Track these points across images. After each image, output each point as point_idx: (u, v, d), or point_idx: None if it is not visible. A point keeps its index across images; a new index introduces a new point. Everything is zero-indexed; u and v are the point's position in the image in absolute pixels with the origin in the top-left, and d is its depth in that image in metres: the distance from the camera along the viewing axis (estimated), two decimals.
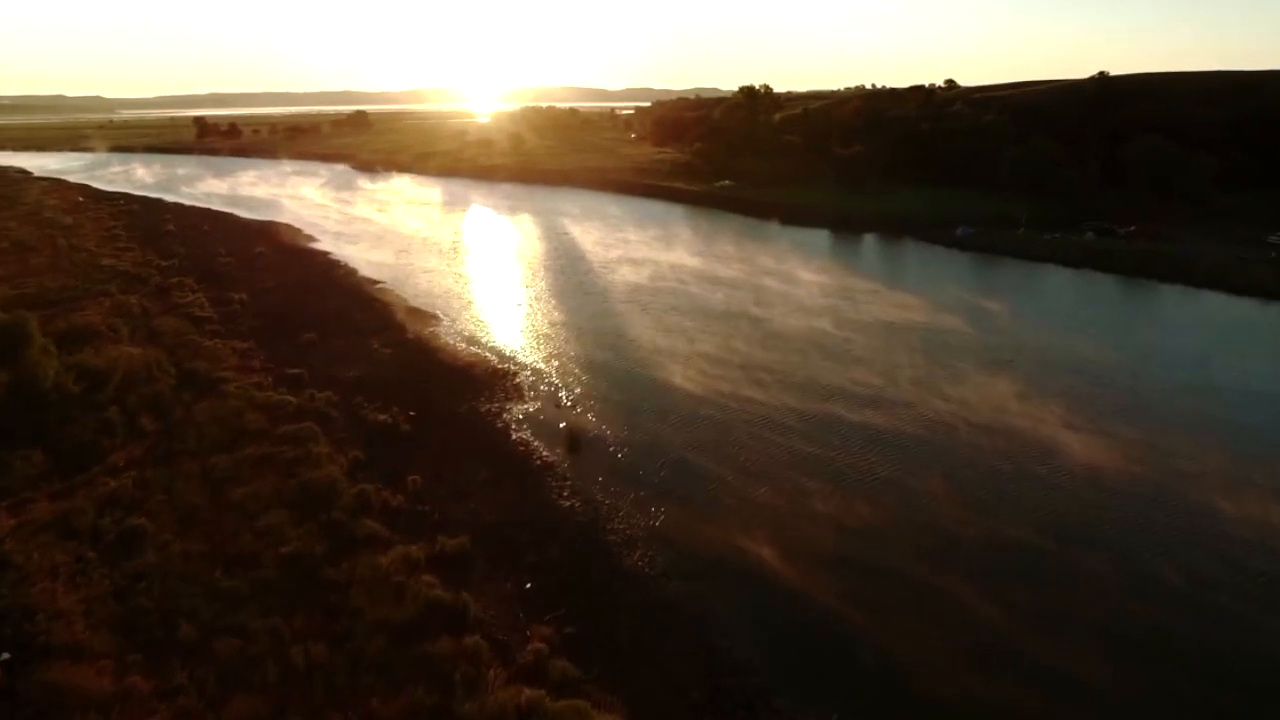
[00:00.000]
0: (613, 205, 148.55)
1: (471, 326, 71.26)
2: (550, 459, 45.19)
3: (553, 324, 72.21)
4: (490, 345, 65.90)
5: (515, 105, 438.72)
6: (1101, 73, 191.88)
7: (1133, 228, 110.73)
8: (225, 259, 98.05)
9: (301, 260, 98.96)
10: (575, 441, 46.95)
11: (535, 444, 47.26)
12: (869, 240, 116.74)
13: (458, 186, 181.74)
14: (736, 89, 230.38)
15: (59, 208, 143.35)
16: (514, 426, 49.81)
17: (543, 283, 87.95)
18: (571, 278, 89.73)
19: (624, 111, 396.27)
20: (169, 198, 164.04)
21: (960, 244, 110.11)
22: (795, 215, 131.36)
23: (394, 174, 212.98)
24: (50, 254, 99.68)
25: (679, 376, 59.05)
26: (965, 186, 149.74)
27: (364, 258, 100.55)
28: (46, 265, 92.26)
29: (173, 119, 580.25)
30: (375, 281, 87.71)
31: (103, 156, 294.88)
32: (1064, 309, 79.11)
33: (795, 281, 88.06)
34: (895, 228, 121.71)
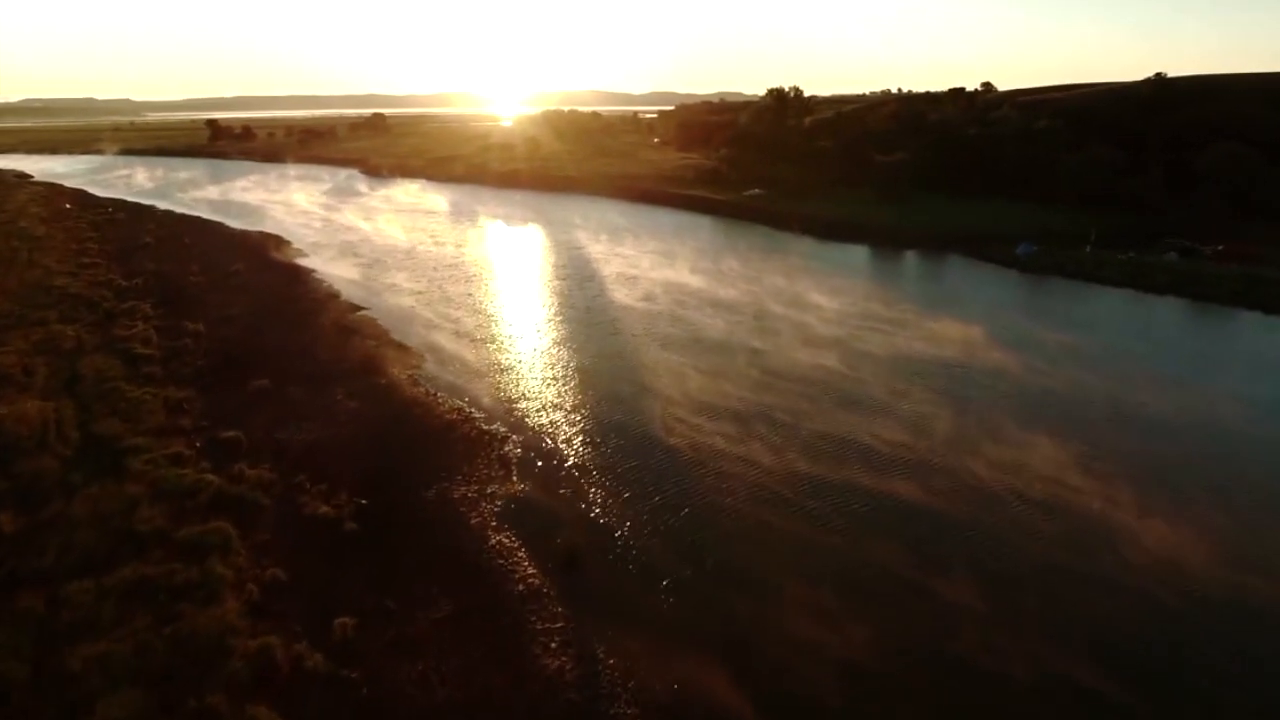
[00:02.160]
0: (633, 216, 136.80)
1: (458, 367, 59.79)
2: (536, 583, 33.42)
3: (553, 364, 60.63)
4: (476, 395, 54.35)
5: (538, 109, 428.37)
6: (1158, 74, 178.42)
7: (1220, 247, 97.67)
8: (196, 278, 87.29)
9: (279, 279, 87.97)
10: (571, 555, 35.15)
11: (517, 554, 35.55)
12: (917, 258, 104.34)
13: (469, 194, 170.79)
14: (764, 92, 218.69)
15: (38, 216, 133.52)
16: (492, 523, 38.11)
17: (546, 311, 76.41)
18: (582, 307, 78.13)
19: (647, 115, 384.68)
20: (161, 204, 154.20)
21: (1020, 264, 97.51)
22: (833, 229, 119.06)
23: (403, 180, 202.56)
24: (2, 269, 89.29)
25: (700, 437, 47.20)
26: (1017, 197, 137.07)
27: (349, 277, 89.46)
28: None
29: (192, 121, 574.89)
30: (356, 307, 76.47)
31: (111, 159, 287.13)
32: (1150, 347, 66.55)
33: (843, 314, 75.87)
34: (944, 243, 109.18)
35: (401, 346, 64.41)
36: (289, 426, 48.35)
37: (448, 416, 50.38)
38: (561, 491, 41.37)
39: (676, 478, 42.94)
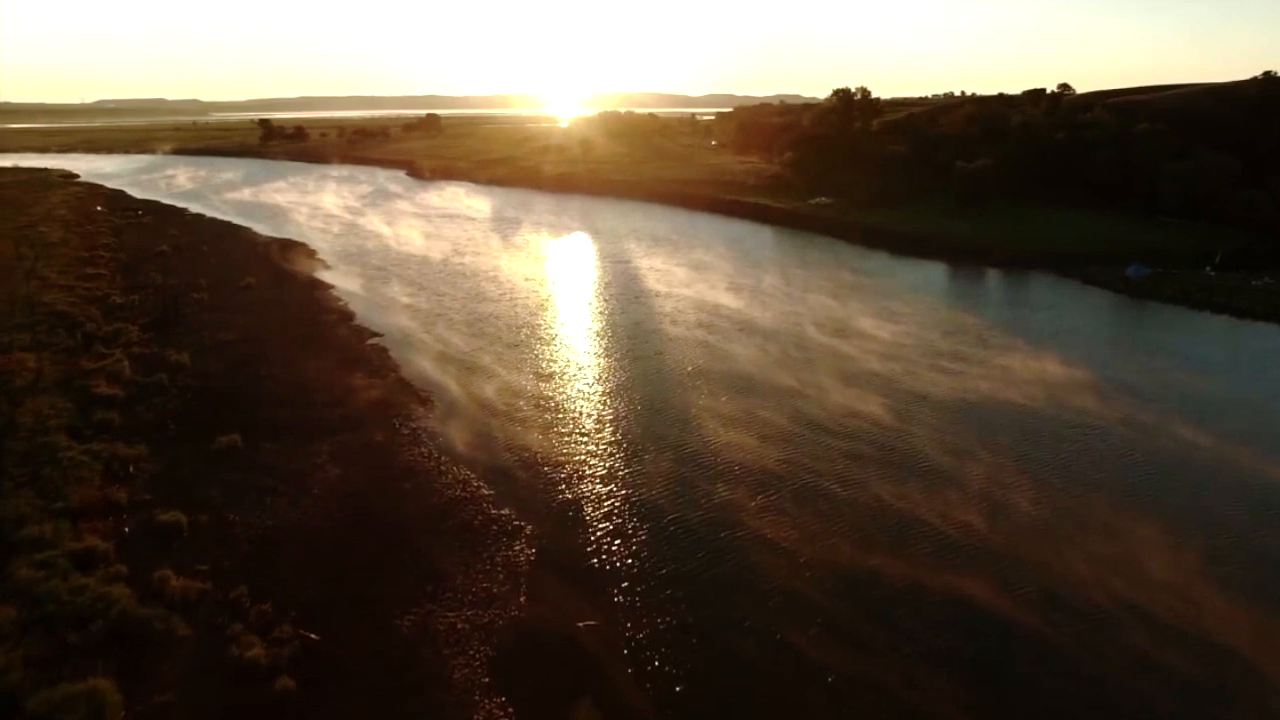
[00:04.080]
0: (689, 227, 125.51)
1: (469, 418, 49.34)
2: None
3: (577, 416, 49.84)
4: (486, 458, 43.79)
5: (595, 110, 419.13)
6: (1267, 72, 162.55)
7: None
8: (201, 294, 78.39)
9: (291, 297, 78.67)
10: None
11: None
12: (1000, 279, 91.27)
13: (515, 199, 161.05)
14: (825, 94, 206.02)
15: (63, 220, 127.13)
16: (484, 678, 27.38)
17: (578, 345, 65.66)
18: (623, 339, 67.38)
19: (705, 117, 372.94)
20: (194, 207, 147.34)
21: (1131, 288, 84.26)
22: (909, 243, 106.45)
23: (449, 183, 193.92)
24: None
25: (722, 515, 35.93)
26: (1110, 209, 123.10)
27: (366, 295, 79.85)
28: None
29: (250, 122, 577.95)
30: (369, 333, 66.63)
31: (162, 159, 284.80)
32: None
33: (906, 345, 63.79)
34: (1033, 261, 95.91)
35: (409, 387, 54.22)
36: (248, 503, 38.31)
37: (449, 492, 39.85)
38: (580, 620, 30.47)
39: (693, 585, 31.82)
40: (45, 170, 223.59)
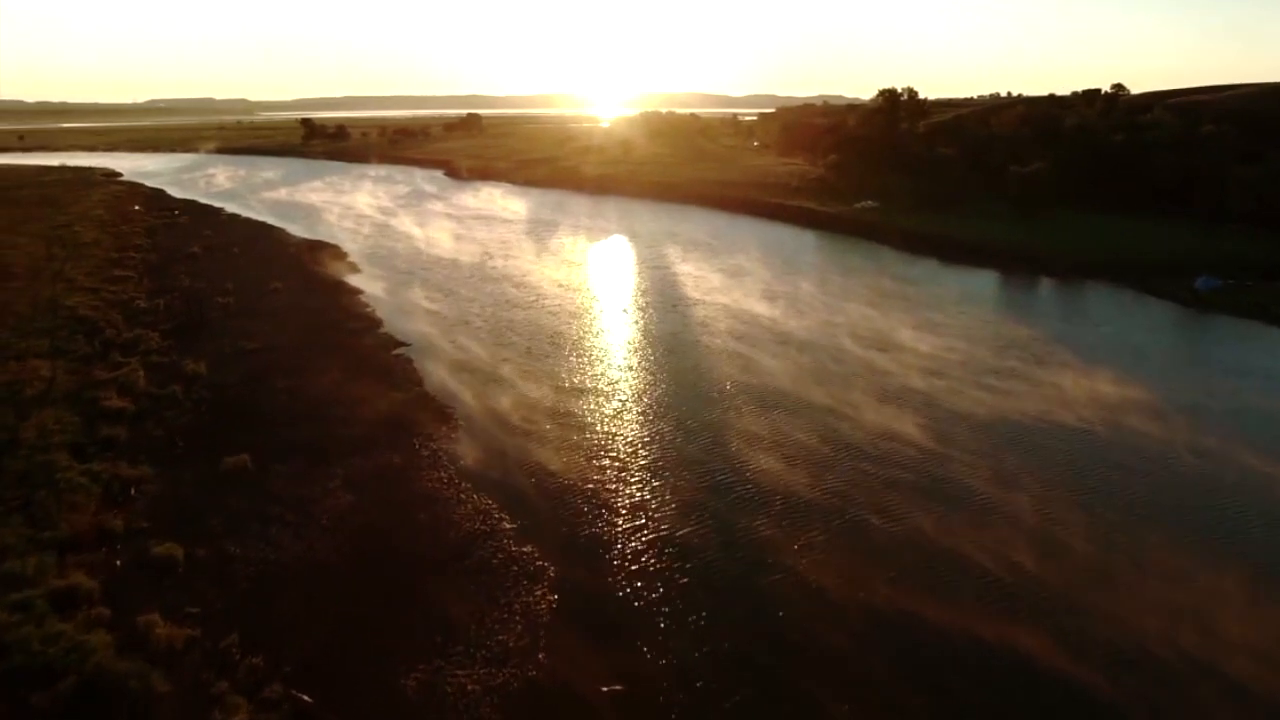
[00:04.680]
0: (729, 230, 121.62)
1: (493, 436, 46.26)
2: None
3: (612, 434, 46.36)
4: (509, 485, 40.58)
5: (637, 110, 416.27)
6: None
7: None
8: (226, 298, 76.29)
9: (318, 302, 76.27)
10: None
11: None
12: (1057, 289, 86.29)
13: (553, 201, 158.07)
14: (868, 95, 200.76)
15: (99, 220, 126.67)
16: None
17: (612, 355, 62.23)
18: (661, 350, 63.90)
19: (747, 118, 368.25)
20: (230, 207, 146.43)
21: (1201, 301, 78.98)
22: (959, 250, 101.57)
23: (487, 183, 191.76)
24: (23, 283, 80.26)
25: (754, 555, 32.26)
26: (1178, 215, 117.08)
27: (395, 300, 77.24)
28: None
29: (295, 121, 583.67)
30: (394, 343, 63.87)
31: (205, 158, 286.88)
32: None
33: (954, 361, 59.44)
34: (1093, 270, 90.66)
35: (431, 403, 51.24)
36: (251, 533, 35.43)
37: (467, 525, 36.64)
38: (604, 685, 27.06)
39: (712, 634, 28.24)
40: (90, 169, 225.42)
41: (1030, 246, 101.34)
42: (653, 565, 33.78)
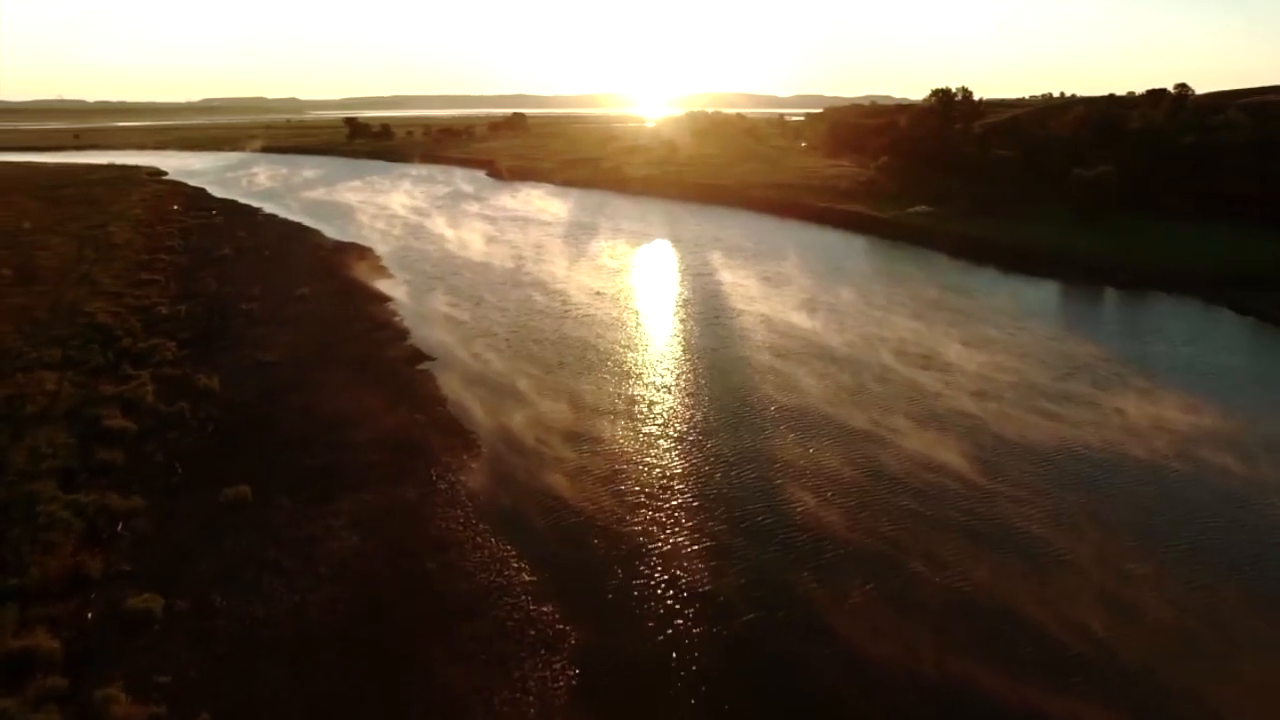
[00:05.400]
0: (776, 235, 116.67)
1: (517, 470, 42.13)
2: None
3: (643, 471, 41.99)
4: (530, 528, 36.46)
5: (683, 110, 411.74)
6: None
7: None
8: (251, 304, 73.49)
9: (345, 309, 73.11)
10: None
11: None
12: (1126, 302, 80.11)
13: (595, 202, 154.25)
14: (915, 95, 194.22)
15: (137, 219, 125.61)
16: None
17: (647, 375, 57.81)
18: (696, 372, 59.40)
19: (793, 118, 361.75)
20: (268, 207, 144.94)
21: None
22: (1018, 258, 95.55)
23: (528, 184, 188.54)
24: (48, 286, 78.30)
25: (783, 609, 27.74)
26: (1257, 223, 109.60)
27: (424, 309, 73.83)
28: (15, 308, 70.03)
29: (341, 120, 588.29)
30: (420, 356, 60.33)
31: (249, 157, 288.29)
32: None
33: (1073, 398, 54.02)
34: (1174, 283, 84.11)
35: (454, 427, 47.43)
36: (241, 582, 31.77)
37: (482, 577, 32.60)
38: None
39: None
40: (136, 168, 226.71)
41: (1095, 255, 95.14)
42: (686, 631, 29.47)
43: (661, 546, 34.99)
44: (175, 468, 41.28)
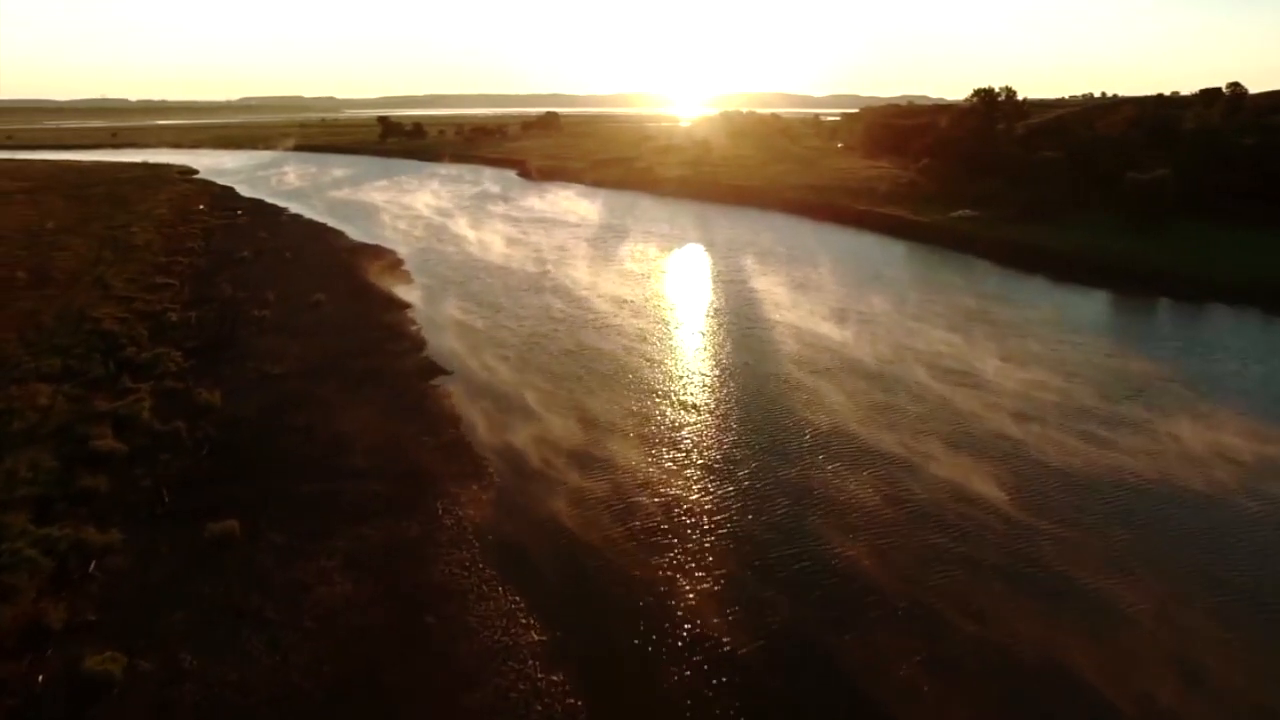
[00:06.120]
0: (813, 239, 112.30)
1: (529, 502, 38.52)
2: None
3: (666, 506, 38.15)
4: (542, 574, 32.84)
5: (718, 110, 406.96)
6: None
7: None
8: (264, 311, 70.63)
9: (361, 317, 70.02)
10: None
11: None
12: (1202, 317, 74.67)
13: (627, 203, 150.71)
14: (952, 95, 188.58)
15: (161, 219, 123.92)
16: None
17: (674, 392, 53.97)
18: (726, 390, 55.48)
19: (829, 118, 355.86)
20: (293, 207, 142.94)
21: None
22: (1068, 266, 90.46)
23: (559, 184, 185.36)
24: (59, 290, 76.07)
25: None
26: None
27: (443, 319, 70.44)
28: (22, 313, 67.72)
29: (375, 119, 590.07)
30: (435, 369, 57.01)
31: (281, 155, 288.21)
32: None
33: (1125, 421, 49.30)
34: (1239, 295, 78.35)
35: (466, 451, 43.95)
36: (217, 637, 28.41)
37: (485, 637, 28.93)
38: None
39: None
40: (168, 166, 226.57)
41: (1151, 263, 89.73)
42: (710, 709, 25.59)
43: (686, 599, 31.17)
44: (163, 496, 38.08)
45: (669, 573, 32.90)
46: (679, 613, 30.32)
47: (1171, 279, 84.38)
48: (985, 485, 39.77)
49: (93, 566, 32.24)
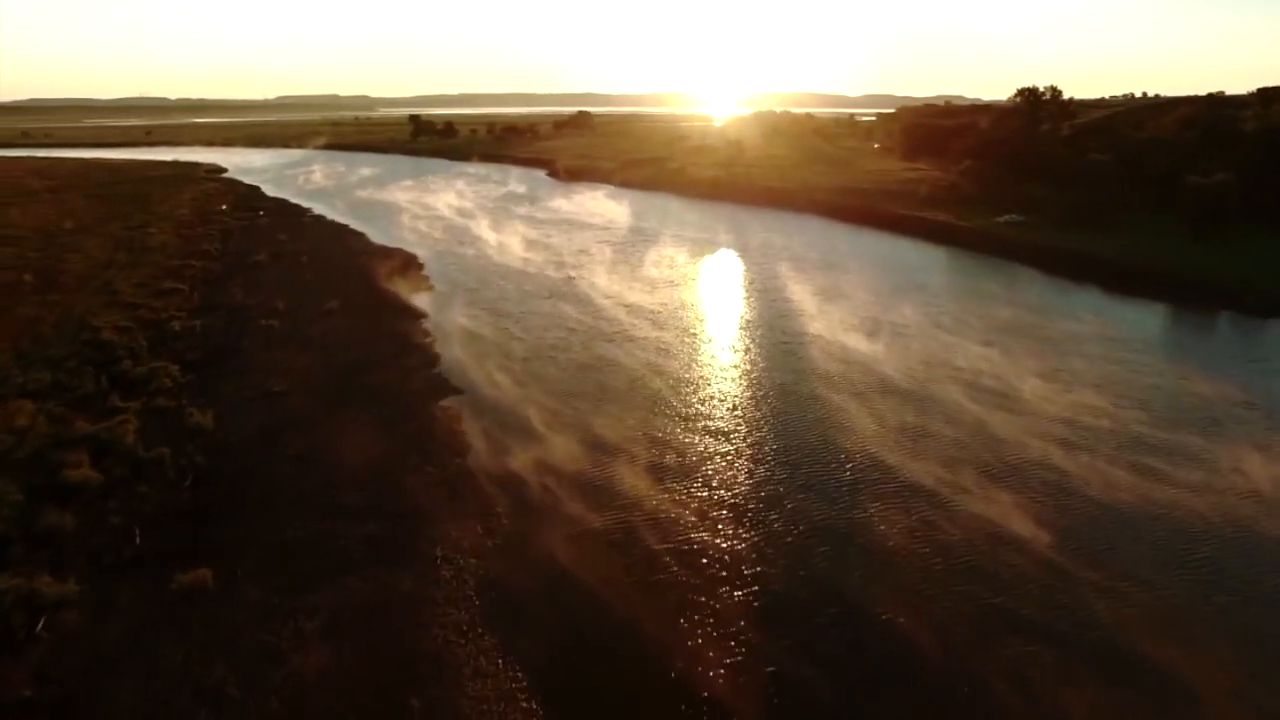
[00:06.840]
0: (850, 245, 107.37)
1: (537, 550, 34.31)
2: None
3: (675, 563, 33.75)
4: (546, 642, 28.62)
5: (751, 109, 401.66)
6: None
7: None
8: (273, 320, 67.28)
9: (371, 329, 66.37)
10: None
11: None
12: (1274, 334, 69.16)
13: (657, 205, 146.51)
14: (991, 95, 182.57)
15: (181, 219, 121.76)
16: None
17: (697, 416, 49.52)
18: (756, 412, 50.97)
19: (864, 118, 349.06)
20: (317, 208, 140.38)
21: None
22: (1122, 276, 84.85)
23: (588, 184, 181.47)
24: (64, 295, 73.27)
25: None
26: None
27: (463, 332, 66.44)
28: (22, 321, 64.87)
29: (407, 117, 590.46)
30: (447, 390, 53.03)
31: (310, 154, 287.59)
32: None
33: (1182, 451, 44.10)
34: None
35: (472, 487, 39.87)
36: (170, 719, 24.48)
37: (484, 710, 24.81)
38: None
39: None
40: (196, 165, 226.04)
41: (1213, 274, 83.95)
42: None
43: (711, 679, 26.84)
44: (133, 537, 34.39)
45: (692, 642, 28.59)
46: (698, 694, 26.02)
47: (1235, 290, 78.62)
48: (1021, 523, 35.30)
49: (41, 625, 28.56)
